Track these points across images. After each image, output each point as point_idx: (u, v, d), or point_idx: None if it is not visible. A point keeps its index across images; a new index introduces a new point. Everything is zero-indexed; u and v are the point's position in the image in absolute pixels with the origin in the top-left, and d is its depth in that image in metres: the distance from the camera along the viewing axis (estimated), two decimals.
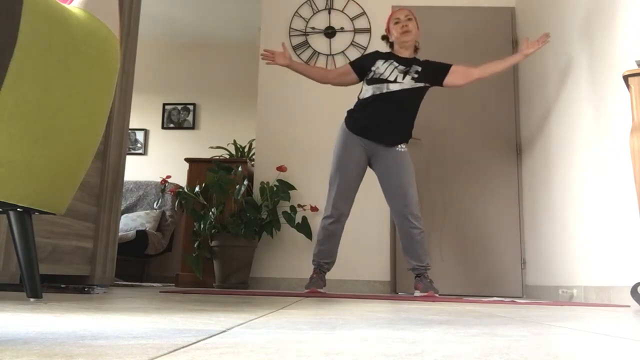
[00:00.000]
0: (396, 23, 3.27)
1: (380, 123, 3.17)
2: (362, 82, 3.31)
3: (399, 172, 3.14)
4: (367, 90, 3.21)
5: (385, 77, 3.17)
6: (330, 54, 4.59)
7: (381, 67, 3.20)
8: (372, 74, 3.21)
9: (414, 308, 1.81)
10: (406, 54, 3.28)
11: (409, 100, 3.19)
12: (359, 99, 3.27)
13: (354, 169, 3.19)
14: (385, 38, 3.43)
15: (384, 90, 3.16)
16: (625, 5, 2.68)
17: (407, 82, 3.17)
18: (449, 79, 3.25)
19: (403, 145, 3.21)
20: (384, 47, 3.46)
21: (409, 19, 3.26)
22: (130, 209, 5.65)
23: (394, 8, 4.61)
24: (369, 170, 3.35)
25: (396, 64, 3.21)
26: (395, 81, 3.16)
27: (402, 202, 3.11)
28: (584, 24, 3.17)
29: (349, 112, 3.29)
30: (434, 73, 3.24)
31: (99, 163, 2.66)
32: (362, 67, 3.29)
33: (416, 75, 3.18)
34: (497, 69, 3.25)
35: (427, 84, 3.23)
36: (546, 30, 3.80)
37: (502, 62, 3.25)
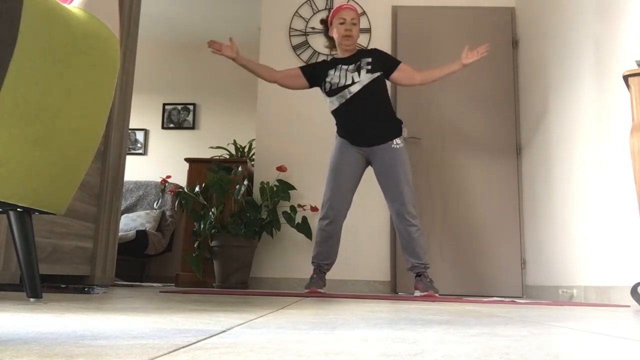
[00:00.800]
0: (341, 23, 3.24)
1: (360, 127, 3.18)
2: (324, 96, 3.30)
3: (395, 170, 3.14)
4: (333, 102, 3.23)
5: (342, 84, 3.18)
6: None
7: (334, 77, 3.21)
8: (328, 85, 3.22)
9: (414, 308, 1.81)
10: (348, 53, 3.29)
11: (374, 94, 3.18)
12: (331, 112, 3.29)
13: (349, 170, 3.20)
14: (323, 23, 3.41)
15: (348, 96, 3.17)
16: (626, 6, 2.68)
17: (364, 77, 3.17)
18: (396, 76, 3.27)
19: (398, 141, 3.20)
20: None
21: (354, 24, 3.25)
22: (130, 209, 5.65)
23: (394, 9, 4.61)
24: (368, 171, 3.36)
25: (345, 67, 3.22)
26: (353, 83, 3.17)
27: (399, 202, 3.12)
28: (584, 24, 3.17)
29: (336, 124, 3.31)
30: (385, 64, 3.25)
31: (99, 163, 2.66)
32: (313, 76, 3.29)
33: (369, 67, 3.19)
34: (437, 76, 3.27)
35: (382, 73, 3.23)
36: (545, 30, 3.80)
37: (441, 70, 3.25)
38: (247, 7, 5.76)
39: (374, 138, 3.18)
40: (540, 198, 3.81)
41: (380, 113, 3.19)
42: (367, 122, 3.17)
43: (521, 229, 4.19)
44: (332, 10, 3.35)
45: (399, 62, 3.28)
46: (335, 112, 3.25)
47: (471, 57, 3.19)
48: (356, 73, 3.18)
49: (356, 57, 3.25)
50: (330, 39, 3.38)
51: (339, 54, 3.32)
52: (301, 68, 3.34)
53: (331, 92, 3.21)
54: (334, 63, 3.28)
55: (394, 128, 3.22)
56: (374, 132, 3.18)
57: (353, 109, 3.18)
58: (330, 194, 3.18)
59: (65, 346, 0.65)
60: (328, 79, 3.23)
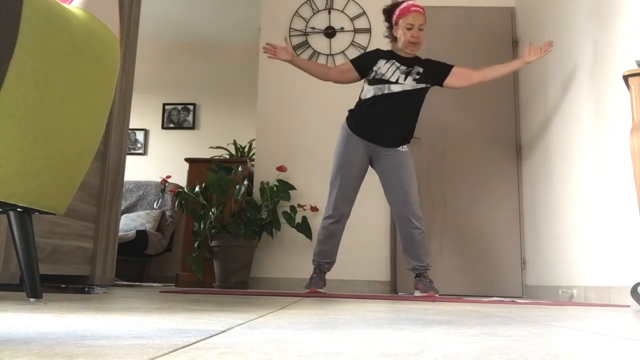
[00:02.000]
0: (408, 29, 3.15)
1: (382, 125, 3.16)
2: (363, 82, 3.29)
3: (400, 171, 3.14)
4: (369, 91, 3.19)
5: (387, 78, 3.15)
6: (330, 54, 4.59)
7: (383, 67, 3.17)
8: (373, 74, 3.19)
9: (414, 308, 1.81)
10: (407, 55, 3.25)
11: (411, 101, 3.17)
12: (360, 99, 3.26)
13: (355, 169, 3.19)
14: (386, 13, 3.28)
15: (386, 91, 3.14)
16: (626, 5, 2.68)
17: (409, 84, 3.14)
18: (450, 81, 3.22)
19: (404, 145, 3.21)
20: (380, 46, 3.43)
21: (421, 29, 3.17)
22: (130, 209, 5.65)
23: None
24: (369, 170, 3.35)
25: (398, 64, 3.18)
26: (397, 82, 3.14)
27: (403, 202, 3.11)
28: (584, 23, 3.17)
29: (350, 112, 3.27)
30: (436, 74, 3.22)
31: (99, 163, 2.66)
32: (364, 66, 3.25)
33: (418, 77, 3.16)
34: (498, 75, 3.22)
35: (429, 85, 3.22)
36: (546, 30, 3.80)
37: (502, 68, 3.21)
38: (247, 8, 5.76)
39: (387, 140, 3.16)
40: (540, 198, 3.81)
41: (406, 121, 3.18)
42: (390, 124, 3.15)
43: (521, 229, 4.19)
44: (400, 8, 3.19)
45: (451, 67, 3.22)
46: (364, 102, 3.20)
47: (534, 54, 3.14)
48: (404, 75, 3.14)
49: (411, 62, 3.20)
50: (393, 35, 3.29)
51: (398, 51, 3.26)
52: (352, 61, 3.31)
53: (373, 81, 3.18)
54: (388, 55, 3.22)
55: (408, 138, 3.22)
56: (393, 134, 3.16)
57: (384, 106, 3.14)
58: (336, 193, 3.17)
59: (65, 346, 0.65)
60: (376, 68, 3.18)
